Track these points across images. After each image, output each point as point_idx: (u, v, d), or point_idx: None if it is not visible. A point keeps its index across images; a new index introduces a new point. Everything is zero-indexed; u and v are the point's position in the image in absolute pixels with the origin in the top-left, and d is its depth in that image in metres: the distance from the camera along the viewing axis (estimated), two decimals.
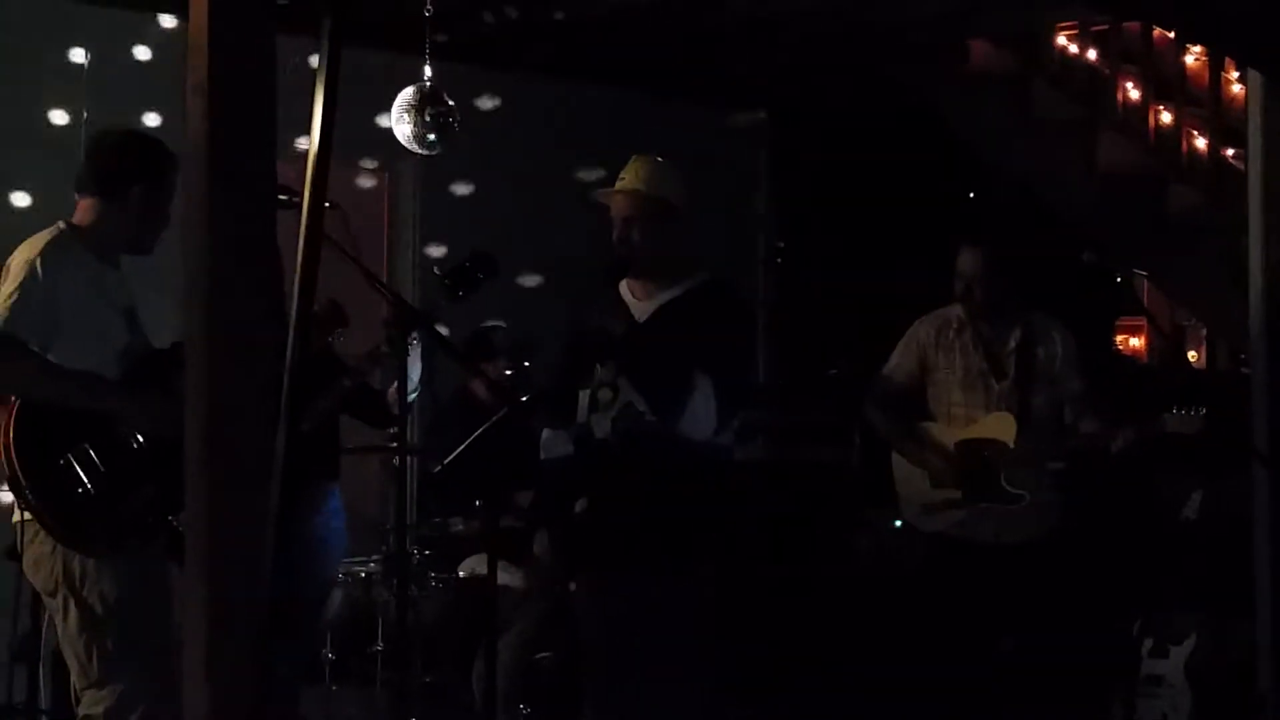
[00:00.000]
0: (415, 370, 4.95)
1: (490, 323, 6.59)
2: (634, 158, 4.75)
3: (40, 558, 4.21)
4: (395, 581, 5.60)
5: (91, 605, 4.18)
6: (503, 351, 6.38)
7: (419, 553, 5.95)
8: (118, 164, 4.40)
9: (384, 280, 5.75)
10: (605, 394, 4.61)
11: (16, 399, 4.14)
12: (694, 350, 4.52)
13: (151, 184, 4.40)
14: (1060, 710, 5.42)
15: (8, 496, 4.24)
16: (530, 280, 7.81)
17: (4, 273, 4.27)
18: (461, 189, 7.86)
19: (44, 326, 4.16)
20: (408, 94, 5.84)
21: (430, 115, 5.82)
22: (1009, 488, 5.41)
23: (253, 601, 2.78)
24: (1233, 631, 6.09)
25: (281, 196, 3.85)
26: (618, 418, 4.57)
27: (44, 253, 4.22)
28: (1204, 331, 8.32)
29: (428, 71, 5.85)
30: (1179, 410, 5.18)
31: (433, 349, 5.16)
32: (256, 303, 3.19)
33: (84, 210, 4.40)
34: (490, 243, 4.79)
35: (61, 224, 4.36)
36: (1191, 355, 8.51)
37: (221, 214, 3.18)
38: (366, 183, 7.69)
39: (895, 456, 5.66)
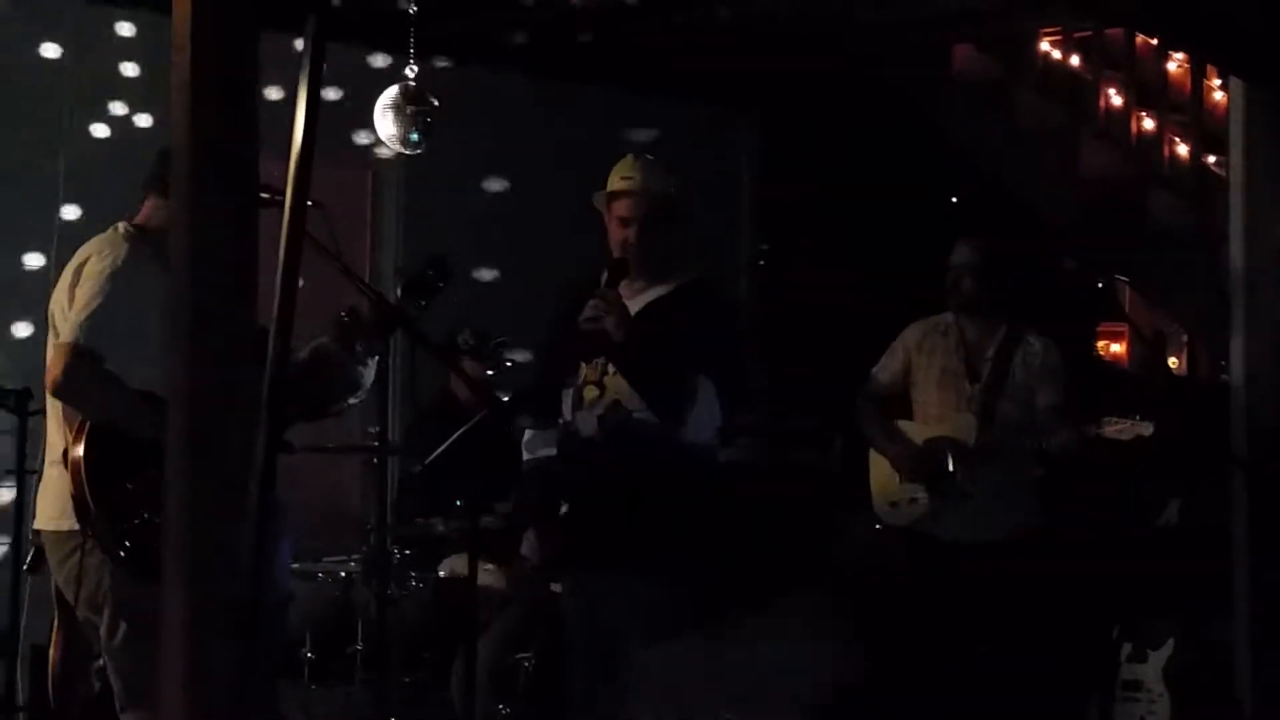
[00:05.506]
0: (368, 376, 4.91)
1: (501, 339, 6.53)
2: (629, 157, 4.72)
3: (86, 570, 4.10)
4: (375, 581, 5.59)
5: (142, 622, 4.10)
6: (477, 353, 6.35)
7: (399, 552, 5.94)
8: None
9: (366, 280, 5.73)
10: (591, 392, 4.58)
11: (86, 419, 4.06)
12: (685, 348, 4.49)
13: None
14: (1038, 715, 5.42)
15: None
16: (513, 281, 7.78)
17: (74, 276, 4.16)
18: (445, 188, 7.83)
19: (116, 341, 4.07)
20: (391, 93, 5.84)
21: (413, 114, 5.81)
22: (961, 485, 5.45)
23: (233, 602, 2.77)
24: (1210, 636, 6.11)
25: (264, 195, 3.82)
26: (604, 415, 4.54)
27: (126, 263, 4.13)
28: (1185, 338, 8.34)
29: (411, 70, 5.84)
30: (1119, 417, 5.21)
31: (411, 349, 5.13)
32: (239, 302, 3.18)
33: (150, 210, 4.30)
34: (471, 244, 4.77)
35: (126, 225, 4.26)
36: (1172, 361, 8.54)
37: (203, 212, 3.17)
38: (350, 181, 7.65)
39: (873, 452, 5.74)
